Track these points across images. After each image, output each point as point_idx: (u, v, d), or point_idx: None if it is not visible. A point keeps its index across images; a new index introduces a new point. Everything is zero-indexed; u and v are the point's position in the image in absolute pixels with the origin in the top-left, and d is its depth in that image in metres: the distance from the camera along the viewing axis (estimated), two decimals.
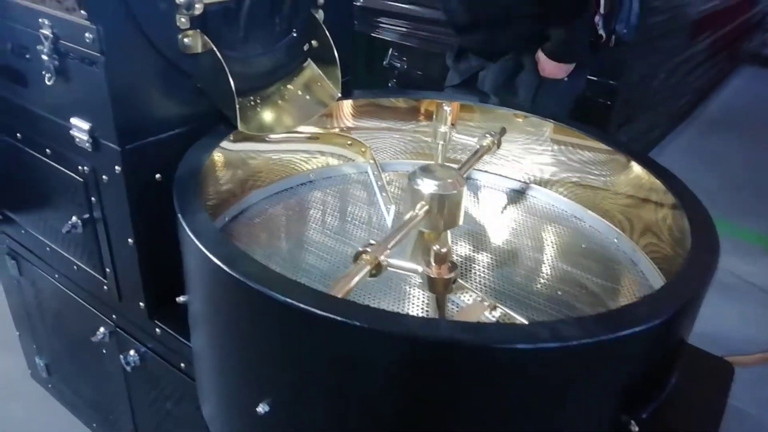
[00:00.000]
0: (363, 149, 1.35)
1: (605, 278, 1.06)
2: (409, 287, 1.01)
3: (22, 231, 1.37)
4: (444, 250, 0.76)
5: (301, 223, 1.20)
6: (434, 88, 2.40)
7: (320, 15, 1.21)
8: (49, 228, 1.28)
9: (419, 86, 3.01)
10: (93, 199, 1.09)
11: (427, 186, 0.96)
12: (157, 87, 1.00)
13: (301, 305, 0.66)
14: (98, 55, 0.91)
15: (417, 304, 0.98)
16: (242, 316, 0.76)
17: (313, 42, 1.23)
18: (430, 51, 2.73)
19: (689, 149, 3.81)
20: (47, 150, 1.13)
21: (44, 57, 0.97)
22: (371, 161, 1.34)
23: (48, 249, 1.31)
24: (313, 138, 1.31)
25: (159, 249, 1.10)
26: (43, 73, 0.99)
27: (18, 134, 1.19)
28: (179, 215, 0.81)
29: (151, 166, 1.04)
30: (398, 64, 3.10)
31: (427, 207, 0.95)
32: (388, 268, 0.83)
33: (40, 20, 0.96)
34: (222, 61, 1.01)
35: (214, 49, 1.00)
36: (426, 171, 0.98)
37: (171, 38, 0.97)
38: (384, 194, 1.24)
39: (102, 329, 1.29)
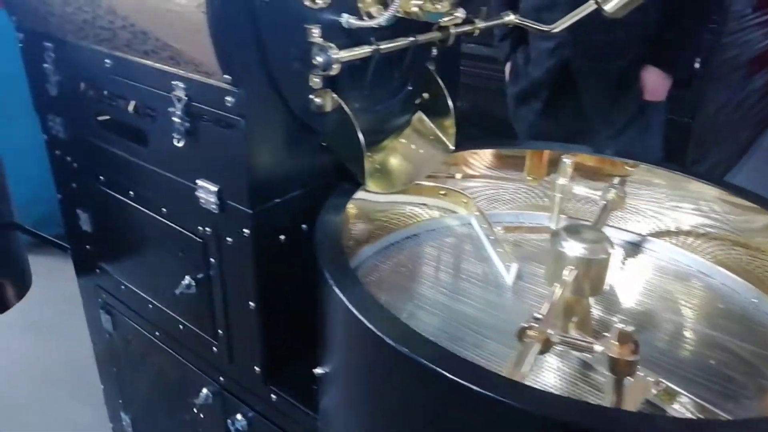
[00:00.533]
0: (464, 200, 1.31)
1: (754, 343, 0.99)
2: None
3: (122, 287, 1.35)
4: (630, 328, 0.70)
5: (415, 281, 1.15)
6: (495, 126, 2.36)
7: (433, 67, 1.19)
8: (154, 286, 1.25)
9: (476, 123, 2.99)
10: (212, 260, 1.06)
11: (574, 248, 0.91)
12: (286, 148, 0.98)
13: (497, 396, 0.60)
14: (238, 118, 0.89)
15: (552, 370, 0.92)
16: (412, 398, 0.70)
17: (425, 94, 1.20)
18: (490, 89, 2.71)
19: (753, 183, 3.70)
20: (163, 209, 1.11)
21: (175, 119, 0.96)
22: (476, 213, 1.29)
23: (150, 306, 1.29)
24: (409, 189, 1.27)
25: (279, 312, 1.06)
26: (173, 134, 0.97)
27: (130, 192, 1.17)
28: (338, 291, 0.76)
29: (277, 227, 1.01)
30: (459, 103, 3.09)
31: (576, 272, 0.90)
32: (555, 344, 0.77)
33: (173, 83, 0.94)
34: (352, 118, 0.98)
35: (344, 107, 0.98)
36: (570, 232, 0.93)
37: (304, 98, 0.95)
38: (500, 250, 1.19)
39: (205, 390, 1.25)
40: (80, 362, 2.14)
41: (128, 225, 1.23)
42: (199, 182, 0.99)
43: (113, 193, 1.22)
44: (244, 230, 0.97)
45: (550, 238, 0.96)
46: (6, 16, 2.44)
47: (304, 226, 1.05)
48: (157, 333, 1.33)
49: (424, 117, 1.22)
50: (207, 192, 0.99)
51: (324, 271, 0.80)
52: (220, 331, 1.13)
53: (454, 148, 1.21)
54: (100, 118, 1.17)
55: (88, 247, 1.41)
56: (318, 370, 0.89)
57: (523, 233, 1.30)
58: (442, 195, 1.31)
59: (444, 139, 1.21)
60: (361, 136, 0.99)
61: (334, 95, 0.98)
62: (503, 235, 1.27)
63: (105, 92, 1.10)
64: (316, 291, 0.92)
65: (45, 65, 1.18)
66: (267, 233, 0.99)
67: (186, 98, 0.94)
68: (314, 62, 0.91)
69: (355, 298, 0.74)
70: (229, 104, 0.88)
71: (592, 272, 0.91)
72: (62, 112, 1.24)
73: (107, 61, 1.05)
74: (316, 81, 0.94)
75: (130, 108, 1.07)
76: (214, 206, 0.99)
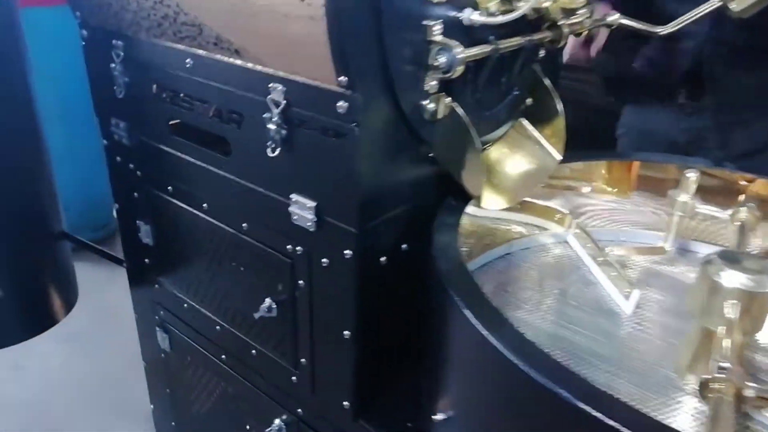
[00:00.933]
0: (558, 216, 1.19)
1: None
2: (678, 392, 0.83)
3: (184, 305, 1.25)
4: None
5: (521, 308, 1.03)
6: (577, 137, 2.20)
7: (538, 69, 1.07)
8: (224, 306, 1.15)
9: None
10: (300, 282, 0.95)
11: (734, 279, 0.79)
12: (393, 160, 0.87)
13: None
14: (351, 126, 0.77)
15: (690, 414, 0.80)
16: None
17: (528, 100, 1.09)
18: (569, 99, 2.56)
19: None
20: (243, 225, 1.00)
21: (270, 126, 0.85)
22: (576, 230, 1.17)
23: (218, 328, 1.18)
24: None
25: (375, 342, 0.95)
26: (267, 143, 0.86)
27: (204, 204, 1.07)
28: (488, 334, 0.65)
29: (379, 248, 0.90)
30: None
31: (740, 306, 0.77)
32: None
33: (270, 85, 0.83)
34: (469, 126, 0.87)
35: (461, 113, 0.86)
36: (727, 260, 0.81)
37: (417, 104, 0.84)
38: (613, 273, 1.07)
39: (278, 421, 1.14)
40: (120, 376, 2.05)
41: (197, 240, 1.13)
42: (294, 197, 0.88)
43: (183, 205, 1.11)
44: (346, 251, 0.86)
45: (701, 265, 0.83)
46: (50, 16, 2.38)
47: (404, 246, 0.94)
48: (223, 356, 1.22)
49: (528, 124, 1.10)
50: (302, 208, 0.88)
51: (466, 309, 0.68)
52: (302, 360, 1.02)
53: (561, 158, 1.09)
54: (173, 122, 1.06)
55: (146, 260, 1.30)
56: (439, 416, 0.78)
57: (627, 254, 1.17)
58: (528, 209, 1.19)
59: (550, 148, 1.09)
60: (479, 146, 0.87)
61: (448, 100, 0.87)
62: (612, 255, 1.15)
63: (182, 95, 1.00)
64: (432, 324, 0.82)
65: (112, 65, 1.08)
66: (369, 255, 0.88)
67: (284, 102, 0.83)
68: (435, 63, 0.80)
69: (511, 344, 0.63)
70: (341, 110, 0.77)
71: (756, 307, 0.79)
72: (128, 116, 1.14)
73: (188, 60, 0.95)
74: (432, 84, 0.83)
75: (211, 112, 0.97)
76: (309, 224, 0.88)
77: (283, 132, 0.85)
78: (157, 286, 1.31)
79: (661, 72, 1.43)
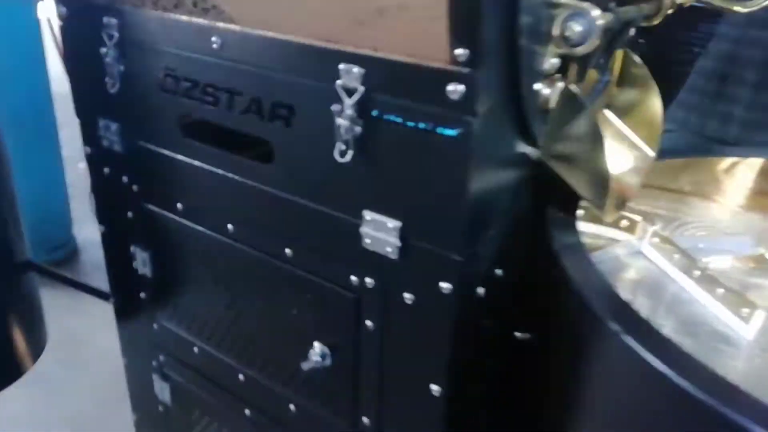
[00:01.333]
0: (626, 223, 1.02)
1: None
2: None
3: (194, 349, 1.01)
4: None
5: None
6: None
7: (629, 50, 0.90)
8: (252, 351, 0.92)
9: None
10: (368, 324, 0.74)
11: None
12: (501, 163, 0.67)
13: None
14: (466, 117, 0.57)
15: None
16: None
17: (615, 88, 0.91)
18: None
19: None
20: (287, 250, 0.78)
21: (341, 121, 0.64)
22: (654, 239, 1.00)
23: (241, 377, 0.95)
24: None
25: (466, 397, 0.75)
26: (336, 144, 0.65)
27: (229, 226, 0.84)
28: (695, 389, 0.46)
29: (476, 277, 0.69)
30: None
31: None
32: None
33: (342, 67, 0.62)
34: (597, 120, 0.68)
35: (585, 103, 0.68)
36: None
37: (532, 88, 0.64)
38: (721, 290, 0.90)
39: None
40: (96, 426, 1.77)
41: (216, 270, 0.90)
42: (368, 215, 0.67)
43: (197, 227, 0.88)
44: (442, 284, 0.65)
45: None
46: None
47: (498, 271, 0.74)
48: (247, 412, 0.99)
49: (614, 117, 0.92)
50: (380, 229, 0.67)
51: (658, 359, 0.50)
52: (365, 419, 0.81)
53: (655, 155, 0.92)
54: (185, 122, 0.84)
55: (141, 294, 1.06)
56: None
57: (734, 265, 1.01)
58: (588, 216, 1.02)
59: (643, 145, 0.92)
60: (606, 146, 0.69)
61: (561, 84, 0.68)
62: (712, 267, 0.98)
63: (202, 85, 0.77)
64: (569, 371, 0.62)
65: (102, 50, 0.84)
66: (468, 286, 0.68)
67: (362, 89, 0.62)
68: (566, 32, 0.61)
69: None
70: (453, 96, 0.56)
71: None
72: (122, 116, 0.90)
73: (215, 39, 0.72)
74: (553, 62, 0.64)
75: (242, 107, 0.74)
76: (390, 249, 0.67)
77: (358, 129, 0.64)
78: (155, 326, 1.07)
79: (731, 62, 1.28)
